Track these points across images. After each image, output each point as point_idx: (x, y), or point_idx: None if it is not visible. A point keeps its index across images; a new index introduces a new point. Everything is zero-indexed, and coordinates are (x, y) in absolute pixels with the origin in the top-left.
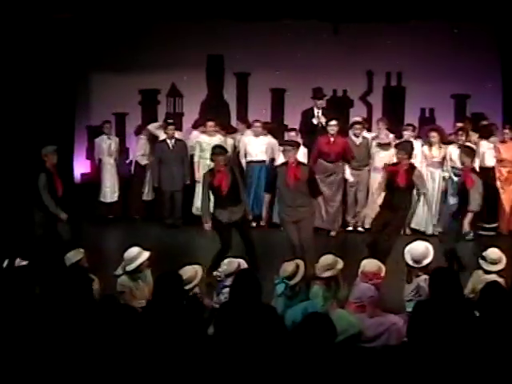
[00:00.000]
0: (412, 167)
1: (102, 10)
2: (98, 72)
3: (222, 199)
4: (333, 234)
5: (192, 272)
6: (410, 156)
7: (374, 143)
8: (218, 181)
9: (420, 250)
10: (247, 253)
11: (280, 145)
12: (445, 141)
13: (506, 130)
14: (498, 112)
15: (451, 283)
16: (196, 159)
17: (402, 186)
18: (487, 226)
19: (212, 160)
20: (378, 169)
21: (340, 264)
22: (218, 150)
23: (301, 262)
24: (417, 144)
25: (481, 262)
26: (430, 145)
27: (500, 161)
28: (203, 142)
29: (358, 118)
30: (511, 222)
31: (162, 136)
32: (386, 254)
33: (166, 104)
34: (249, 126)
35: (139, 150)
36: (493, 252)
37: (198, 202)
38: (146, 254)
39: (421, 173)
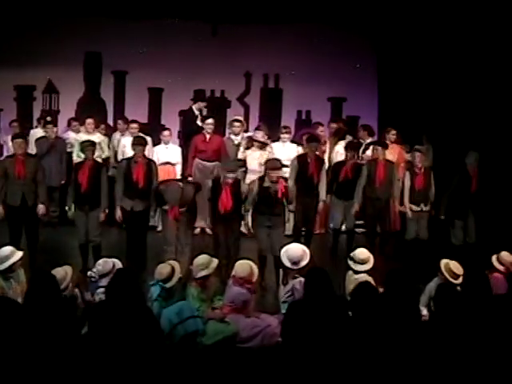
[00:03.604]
0: None
1: None
2: None
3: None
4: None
5: (62, 273)
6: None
7: (244, 142)
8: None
9: (298, 252)
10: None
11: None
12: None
13: (389, 133)
14: (373, 115)
15: (323, 283)
16: (75, 157)
17: None
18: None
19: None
20: (253, 170)
21: (214, 263)
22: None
23: (176, 264)
24: (293, 146)
25: (349, 262)
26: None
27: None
28: (82, 140)
29: (238, 117)
30: (396, 223)
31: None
32: None
33: (42, 101)
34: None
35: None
36: (361, 252)
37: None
38: (19, 254)
39: None
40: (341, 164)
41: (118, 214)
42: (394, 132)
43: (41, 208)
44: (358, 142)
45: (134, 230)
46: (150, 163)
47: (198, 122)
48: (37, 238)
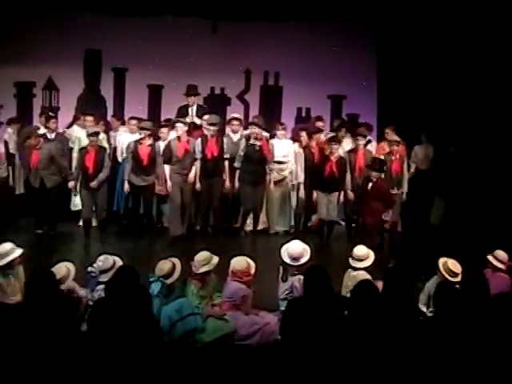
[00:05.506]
0: None
1: None
2: None
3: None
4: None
5: (64, 270)
6: None
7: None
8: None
9: (298, 248)
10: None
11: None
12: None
13: (388, 130)
14: (373, 113)
15: (323, 281)
16: (75, 155)
17: None
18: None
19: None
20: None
21: (215, 259)
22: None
23: (177, 261)
24: (289, 142)
25: (349, 259)
26: (300, 143)
27: None
28: (82, 137)
29: (237, 115)
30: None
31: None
32: None
33: (42, 97)
34: (123, 123)
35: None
36: (359, 249)
37: (75, 198)
38: (18, 251)
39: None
40: (325, 159)
41: (126, 187)
42: (387, 131)
43: (70, 183)
44: (336, 135)
45: (138, 201)
46: (153, 145)
47: (187, 119)
48: (55, 221)
